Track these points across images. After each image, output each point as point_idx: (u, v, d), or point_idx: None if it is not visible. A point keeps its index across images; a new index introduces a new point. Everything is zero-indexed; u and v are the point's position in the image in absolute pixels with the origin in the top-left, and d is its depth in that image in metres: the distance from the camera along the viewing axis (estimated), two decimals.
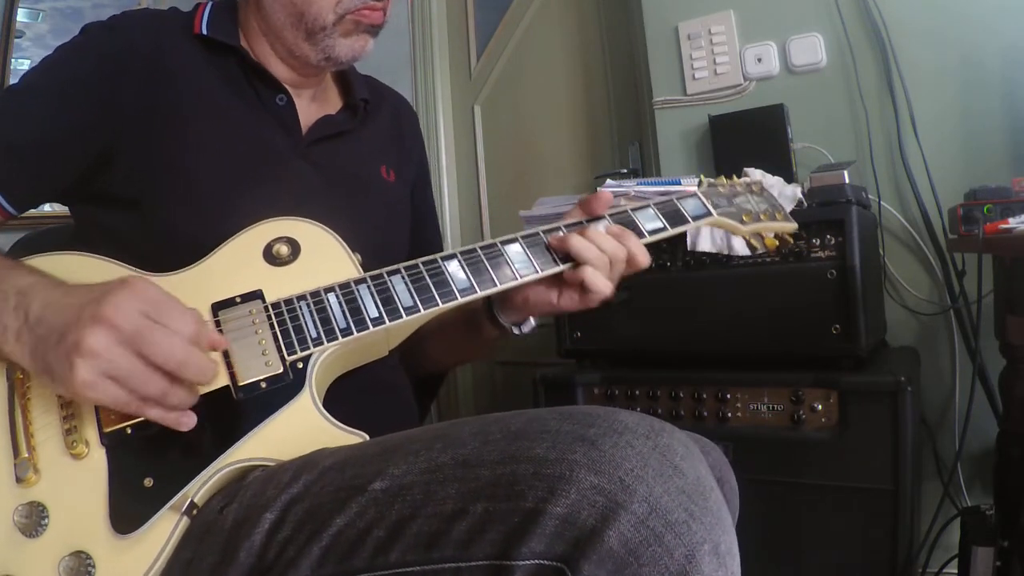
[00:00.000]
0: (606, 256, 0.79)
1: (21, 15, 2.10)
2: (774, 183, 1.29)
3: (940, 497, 1.32)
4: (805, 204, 1.25)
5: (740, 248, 1.26)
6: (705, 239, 1.29)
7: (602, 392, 1.38)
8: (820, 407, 1.18)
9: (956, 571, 1.26)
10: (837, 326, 1.19)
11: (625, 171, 1.92)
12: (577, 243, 0.79)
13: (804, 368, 1.21)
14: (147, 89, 0.81)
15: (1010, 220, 1.08)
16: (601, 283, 0.80)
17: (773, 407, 1.22)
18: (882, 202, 1.52)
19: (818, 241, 1.22)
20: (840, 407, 1.16)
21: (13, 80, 1.98)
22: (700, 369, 1.31)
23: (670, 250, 1.33)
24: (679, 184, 1.23)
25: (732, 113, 1.62)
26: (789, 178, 1.42)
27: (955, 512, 1.33)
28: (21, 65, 2.07)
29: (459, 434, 0.59)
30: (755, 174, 1.24)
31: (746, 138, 1.56)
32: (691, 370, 1.31)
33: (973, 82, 1.47)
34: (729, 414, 1.25)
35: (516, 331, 0.90)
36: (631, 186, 1.26)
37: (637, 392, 1.35)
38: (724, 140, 1.60)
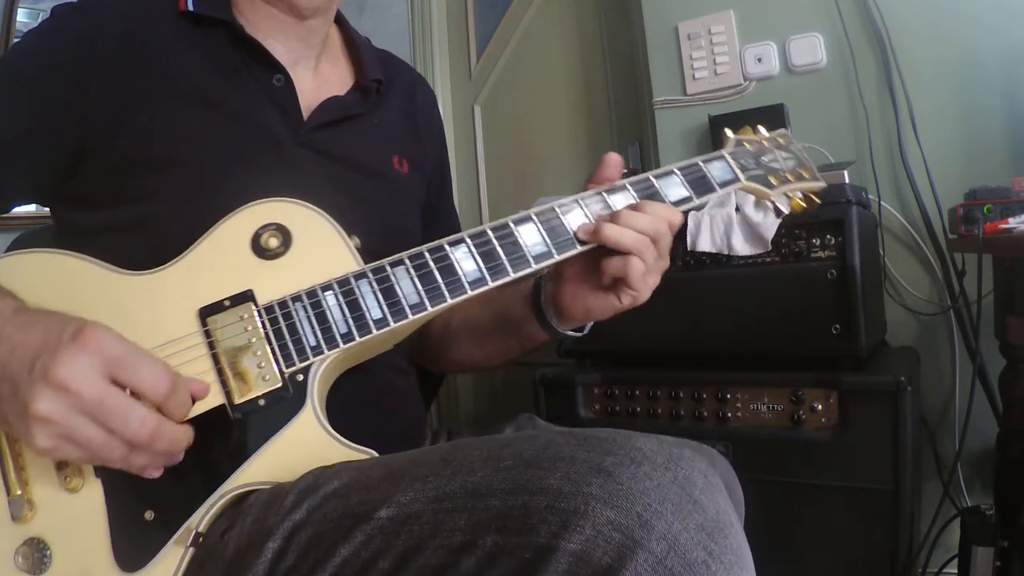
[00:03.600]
0: (647, 237, 0.72)
1: (21, 15, 2.10)
2: None
3: (940, 497, 1.32)
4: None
5: (740, 248, 1.26)
6: (705, 239, 1.29)
7: (602, 392, 1.38)
8: (820, 407, 1.18)
9: (956, 571, 1.26)
10: (837, 326, 1.18)
11: (625, 171, 1.92)
12: (611, 232, 0.71)
13: (804, 368, 1.20)
14: (120, 75, 0.74)
15: (1010, 220, 1.08)
16: (640, 272, 0.72)
17: (773, 407, 1.22)
18: (882, 202, 1.52)
19: (818, 241, 1.21)
20: (840, 407, 1.16)
21: None
22: (700, 369, 1.31)
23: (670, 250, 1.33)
24: None
25: (732, 113, 1.61)
26: None
27: (955, 512, 1.33)
28: None
29: (468, 459, 0.56)
30: None
31: None
32: (691, 370, 1.31)
33: (973, 82, 1.47)
34: (729, 414, 1.25)
35: (578, 335, 0.85)
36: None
37: (637, 392, 1.35)
38: None
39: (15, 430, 0.57)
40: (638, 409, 1.34)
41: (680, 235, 1.18)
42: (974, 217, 1.16)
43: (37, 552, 0.59)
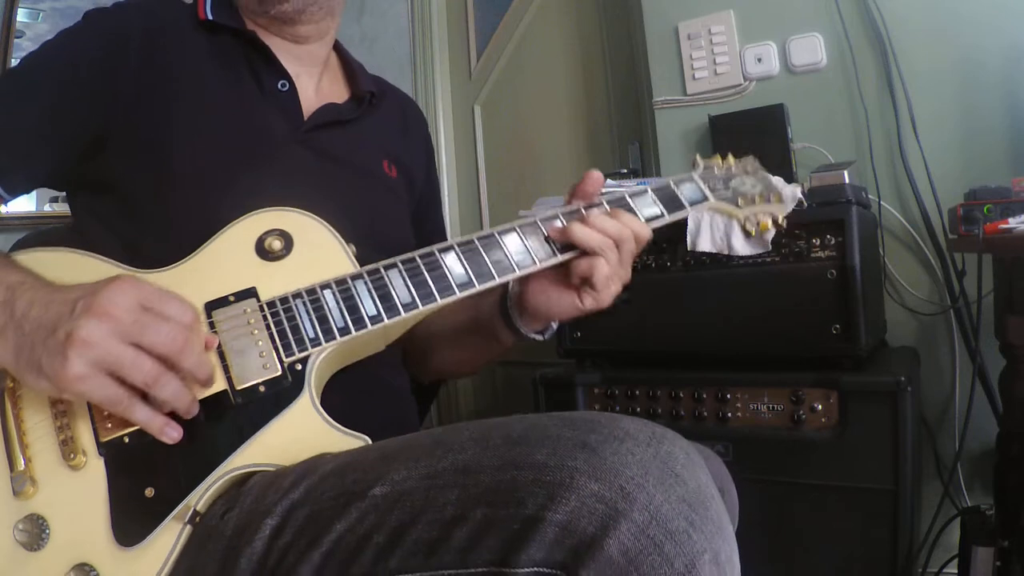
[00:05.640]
0: (611, 239, 0.76)
1: (21, 15, 2.10)
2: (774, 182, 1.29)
3: (940, 497, 1.32)
4: (805, 204, 1.25)
5: (740, 248, 1.26)
6: (705, 239, 1.29)
7: (602, 392, 1.38)
8: (820, 407, 1.18)
9: (956, 571, 1.26)
10: (837, 326, 1.19)
11: (625, 171, 1.92)
12: (579, 231, 0.76)
13: (804, 368, 1.21)
14: (142, 75, 0.81)
15: (1010, 220, 1.07)
16: (604, 274, 0.77)
17: (773, 407, 1.22)
18: (882, 202, 1.52)
19: (818, 241, 1.21)
20: (840, 407, 1.16)
21: None
22: (700, 369, 1.31)
23: (670, 250, 1.33)
24: None
25: (732, 113, 1.62)
26: (789, 178, 1.41)
27: (955, 512, 1.33)
28: None
29: (459, 439, 0.59)
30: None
31: (746, 138, 1.55)
32: (691, 370, 1.31)
33: (973, 82, 1.47)
34: (729, 414, 1.25)
35: (540, 337, 0.89)
36: (631, 186, 1.25)
37: (637, 392, 1.35)
38: (724, 140, 1.60)
39: (44, 367, 0.59)
40: (638, 409, 1.34)
41: (680, 235, 1.18)
42: (974, 217, 1.16)
43: (36, 528, 0.61)
